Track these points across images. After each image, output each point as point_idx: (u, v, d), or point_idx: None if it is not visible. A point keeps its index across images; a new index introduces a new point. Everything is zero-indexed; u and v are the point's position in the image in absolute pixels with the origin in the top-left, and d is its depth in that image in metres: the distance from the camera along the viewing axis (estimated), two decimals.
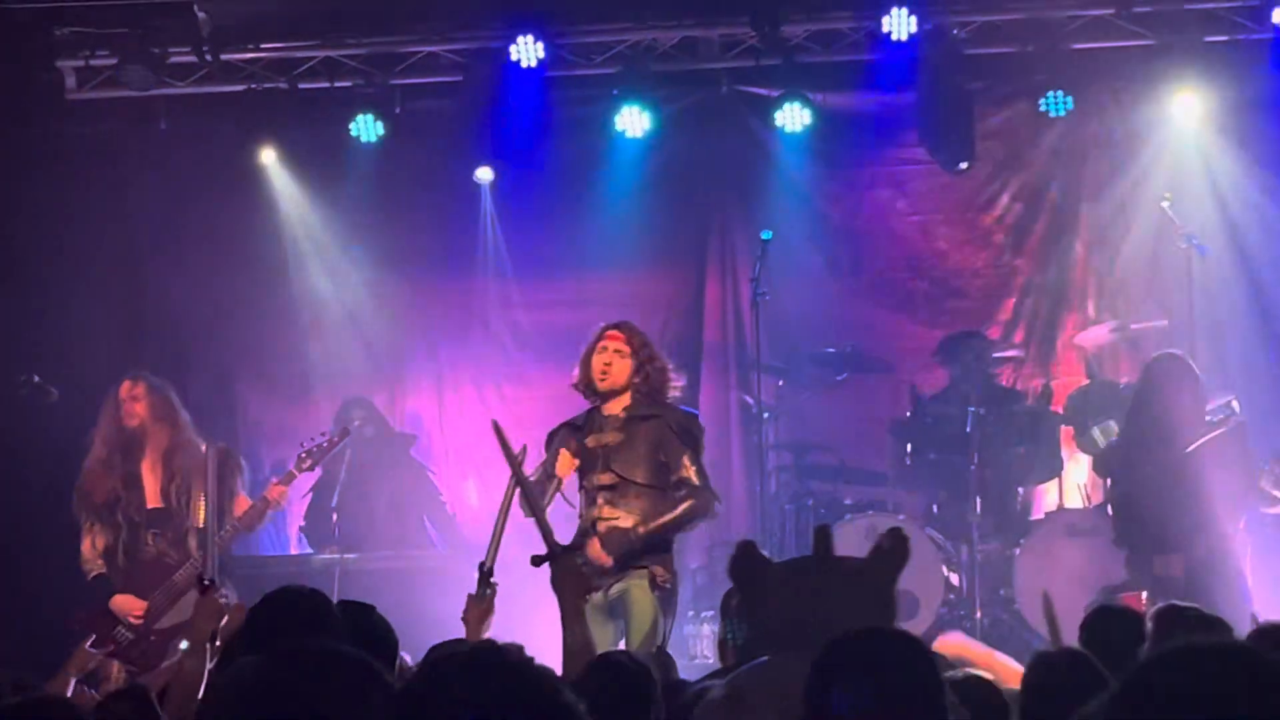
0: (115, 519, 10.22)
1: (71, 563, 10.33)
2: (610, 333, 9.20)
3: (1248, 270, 12.80)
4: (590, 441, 9.08)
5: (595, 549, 8.85)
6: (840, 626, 4.00)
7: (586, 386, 9.22)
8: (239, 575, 10.67)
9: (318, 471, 11.56)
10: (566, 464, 9.06)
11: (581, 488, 9.17)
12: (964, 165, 12.86)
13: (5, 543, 12.04)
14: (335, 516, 12.17)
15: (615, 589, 8.91)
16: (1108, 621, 5.98)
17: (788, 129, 12.76)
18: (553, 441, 9.23)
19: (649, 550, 8.90)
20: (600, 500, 9.02)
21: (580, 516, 9.13)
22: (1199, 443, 10.45)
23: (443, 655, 2.88)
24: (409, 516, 12.76)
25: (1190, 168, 12.81)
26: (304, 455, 10.71)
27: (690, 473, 9.00)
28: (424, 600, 10.20)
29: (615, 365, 9.09)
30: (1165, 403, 10.53)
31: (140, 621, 9.97)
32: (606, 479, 9.03)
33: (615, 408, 9.13)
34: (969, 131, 12.74)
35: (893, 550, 4.43)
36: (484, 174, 13.04)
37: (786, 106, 12.66)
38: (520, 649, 3.52)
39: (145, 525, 10.24)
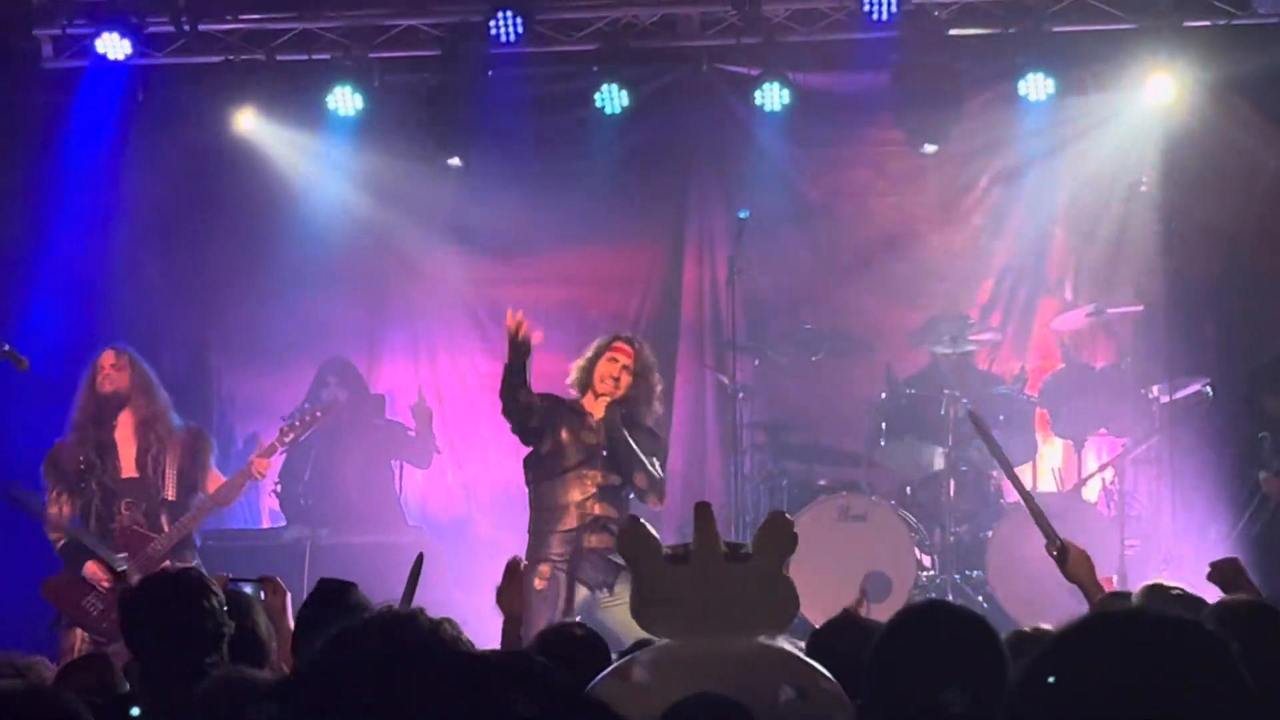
0: (88, 486, 10.18)
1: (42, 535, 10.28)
2: (621, 345, 9.35)
3: (1224, 254, 12.80)
4: (581, 436, 9.20)
5: None
6: (733, 611, 3.99)
7: (582, 387, 9.35)
8: (209, 548, 10.65)
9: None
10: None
11: (565, 473, 9.24)
12: (931, 148, 12.84)
13: None
14: (304, 490, 12.15)
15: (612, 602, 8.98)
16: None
17: (767, 108, 12.73)
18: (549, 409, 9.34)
19: None
20: (595, 495, 9.20)
21: (555, 497, 9.22)
22: None
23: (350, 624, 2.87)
24: (380, 485, 12.74)
25: (1168, 152, 12.80)
26: (285, 428, 10.67)
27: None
28: (394, 577, 10.17)
29: (622, 380, 9.22)
30: None
31: (109, 589, 9.92)
32: (602, 479, 9.21)
33: (596, 409, 9.28)
34: (946, 113, 12.72)
35: (776, 534, 4.39)
36: (455, 162, 13.00)
37: (766, 86, 12.63)
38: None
39: (119, 494, 10.19)
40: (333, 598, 5.57)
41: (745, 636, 4.20)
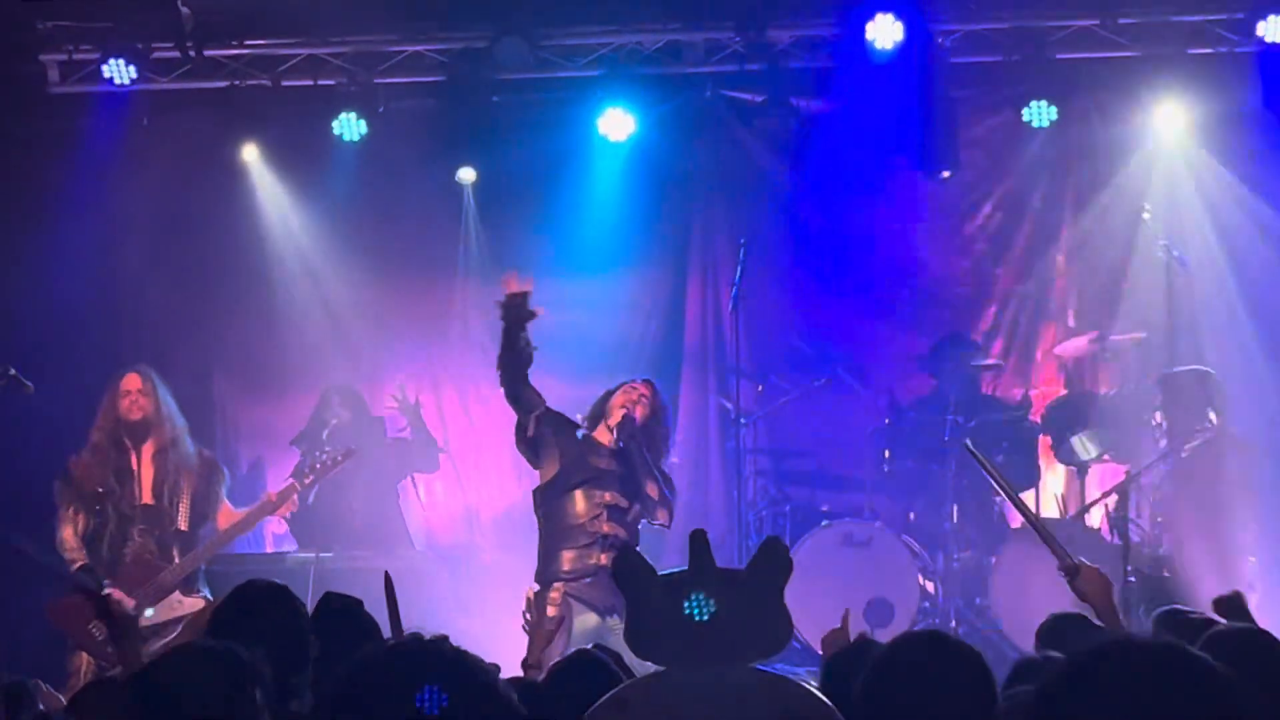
0: (104, 509, 10.15)
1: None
2: (639, 383, 9.44)
3: (1227, 282, 12.81)
4: (589, 459, 9.28)
5: None
6: (725, 639, 3.99)
7: (594, 419, 9.42)
8: (215, 573, 10.65)
9: (297, 454, 11.62)
10: None
11: (573, 489, 9.26)
12: (946, 173, 12.88)
13: None
14: (310, 513, 12.16)
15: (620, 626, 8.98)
16: (1064, 625, 6.02)
17: (770, 134, 12.76)
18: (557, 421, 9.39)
19: None
20: (605, 514, 9.23)
21: (564, 515, 9.24)
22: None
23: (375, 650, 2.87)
24: (385, 508, 12.71)
25: (1172, 179, 12.84)
26: (306, 470, 10.66)
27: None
28: (399, 599, 10.17)
29: (638, 410, 9.27)
30: None
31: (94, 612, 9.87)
32: (610, 499, 9.29)
33: (604, 438, 9.32)
34: (952, 140, 12.75)
35: (772, 559, 4.39)
36: (466, 174, 13.04)
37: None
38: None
39: (133, 520, 10.17)
40: (342, 614, 5.57)
41: (740, 662, 4.20)
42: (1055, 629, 6.01)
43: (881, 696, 4.03)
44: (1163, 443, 11.42)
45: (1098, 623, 5.91)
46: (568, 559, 9.16)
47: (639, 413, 9.34)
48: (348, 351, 13.50)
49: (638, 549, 4.51)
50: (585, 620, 9.05)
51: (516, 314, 9.24)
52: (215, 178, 13.07)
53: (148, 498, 10.22)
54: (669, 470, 9.64)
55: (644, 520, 9.46)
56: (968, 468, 11.85)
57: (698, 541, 4.30)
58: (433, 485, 13.33)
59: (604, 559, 9.04)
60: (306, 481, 10.63)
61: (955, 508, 11.97)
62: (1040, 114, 12.63)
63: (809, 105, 12.90)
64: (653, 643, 4.30)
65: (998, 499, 12.15)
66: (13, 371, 10.12)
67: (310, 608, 7.22)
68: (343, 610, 5.61)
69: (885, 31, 12.21)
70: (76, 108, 12.98)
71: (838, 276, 13.50)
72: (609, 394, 9.59)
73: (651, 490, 9.21)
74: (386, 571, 6.06)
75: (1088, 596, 5.97)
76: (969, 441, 7.22)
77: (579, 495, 9.24)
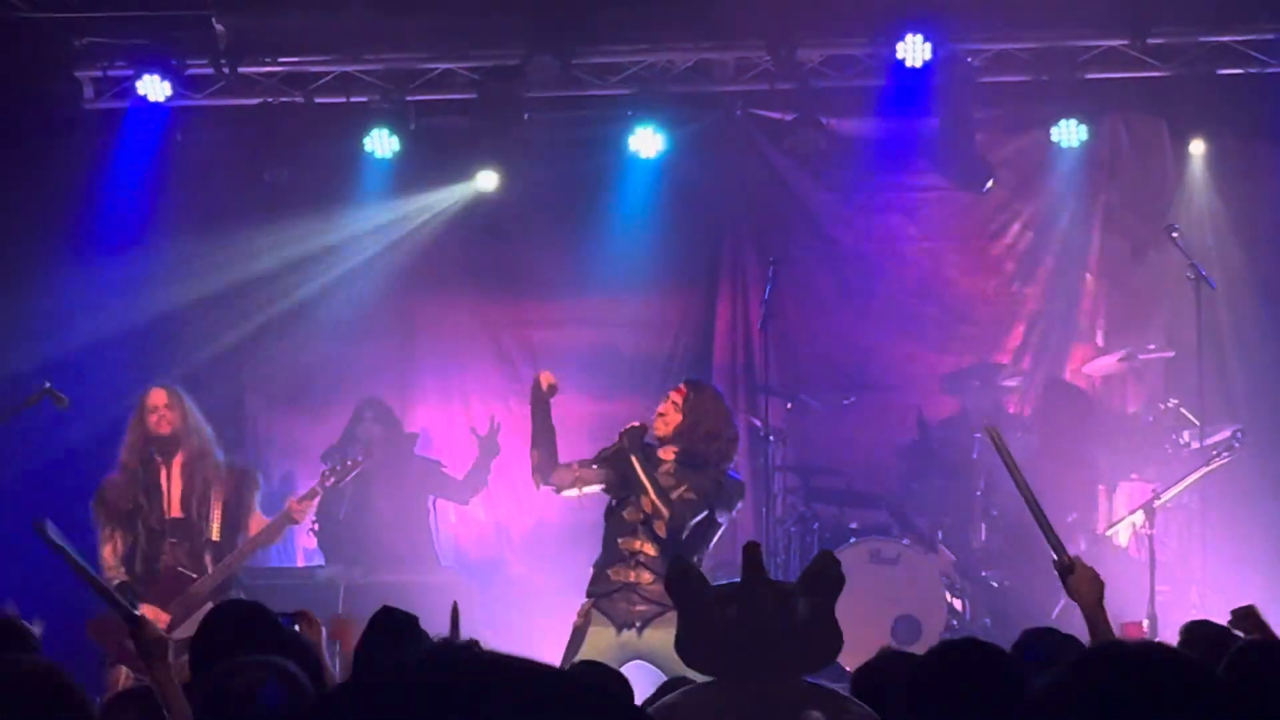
0: (135, 527, 10.21)
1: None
2: (680, 386, 9.39)
3: (1255, 302, 12.82)
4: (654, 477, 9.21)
5: None
6: (776, 652, 4.02)
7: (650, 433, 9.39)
8: (247, 586, 10.69)
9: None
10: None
11: (615, 509, 9.24)
12: (990, 183, 12.93)
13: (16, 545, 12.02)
14: (340, 528, 12.21)
15: (651, 635, 8.97)
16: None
17: (799, 153, 12.82)
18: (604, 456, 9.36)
19: None
20: (639, 531, 9.16)
21: (609, 533, 9.22)
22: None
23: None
24: (415, 524, 12.73)
25: (1200, 199, 12.86)
26: (327, 473, 10.70)
27: None
28: (428, 617, 10.22)
29: (669, 417, 9.21)
30: None
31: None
32: (643, 516, 9.18)
33: (667, 454, 9.26)
34: (985, 158, 12.83)
35: (823, 573, 4.42)
36: (486, 180, 13.03)
37: (798, 131, 12.71)
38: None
39: (164, 534, 10.23)
40: (397, 629, 5.65)
41: (788, 675, 4.24)
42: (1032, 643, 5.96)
43: (925, 703, 4.06)
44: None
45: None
46: (604, 577, 9.17)
47: (672, 421, 9.26)
48: (379, 367, 13.55)
49: (689, 561, 4.53)
50: (602, 633, 9.05)
51: (539, 404, 9.30)
52: (248, 193, 13.15)
53: (176, 511, 10.27)
54: (721, 475, 9.38)
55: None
56: (996, 487, 11.87)
57: (751, 554, 4.34)
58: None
59: (631, 576, 9.04)
60: (328, 484, 10.68)
61: (983, 525, 11.99)
62: (1069, 133, 12.66)
63: (838, 124, 12.95)
64: (704, 653, 4.34)
65: (1026, 519, 12.12)
66: (49, 385, 10.19)
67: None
68: (399, 625, 5.68)
69: (915, 51, 12.25)
70: (111, 124, 13.07)
71: (866, 295, 13.52)
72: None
73: (646, 505, 9.10)
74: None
75: (1078, 596, 5.91)
76: (987, 425, 7.17)
77: (624, 515, 9.24)
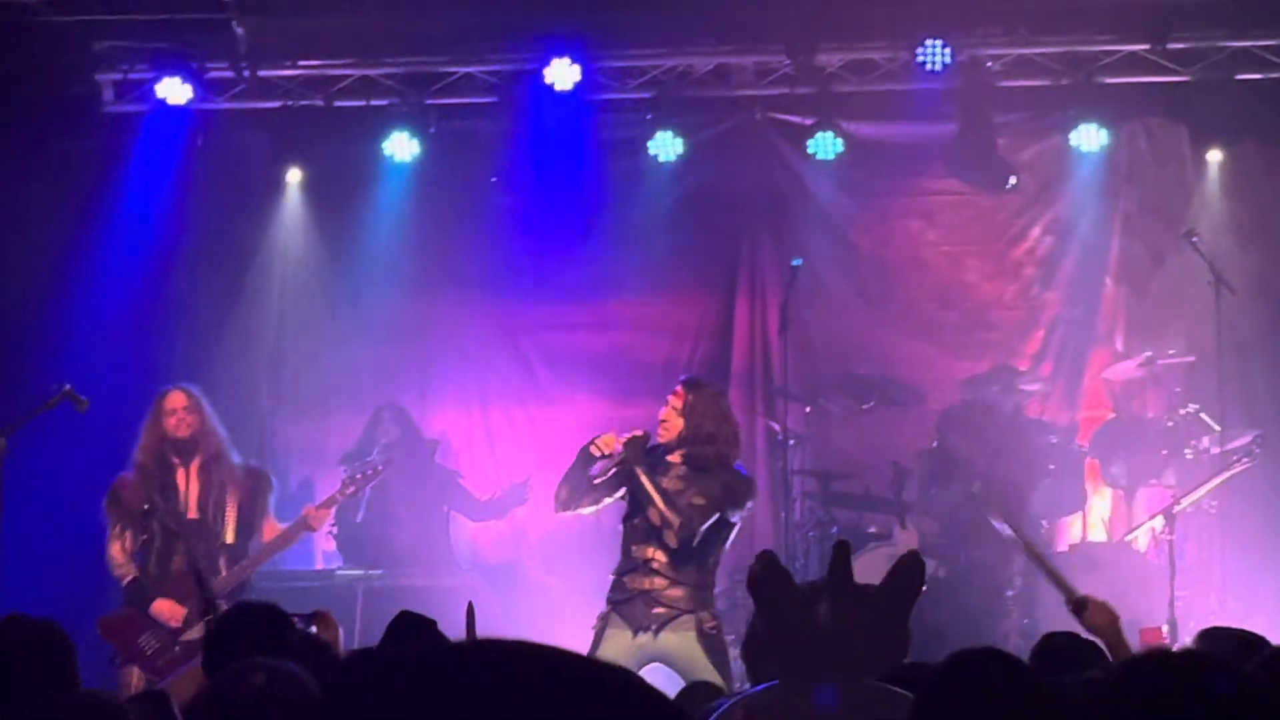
0: (149, 526, 10.22)
1: (100, 570, 10.34)
2: (676, 389, 9.29)
3: (1276, 307, 12.79)
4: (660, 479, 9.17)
5: None
6: (854, 651, 4.00)
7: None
8: (263, 589, 10.70)
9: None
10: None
11: (628, 517, 9.22)
12: (1012, 180, 12.91)
13: (34, 544, 12.06)
14: (358, 532, 12.22)
15: (666, 638, 8.96)
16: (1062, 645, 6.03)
17: (819, 157, 12.82)
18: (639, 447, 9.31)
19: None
20: (650, 538, 9.12)
21: (625, 540, 9.19)
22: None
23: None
24: (433, 528, 12.75)
25: (1221, 203, 12.83)
26: (347, 481, 10.69)
27: None
28: (445, 621, 10.21)
29: (670, 423, 9.18)
30: None
31: (173, 631, 9.97)
32: (649, 524, 9.14)
33: (675, 457, 9.21)
34: (1006, 161, 12.83)
35: (909, 574, 4.41)
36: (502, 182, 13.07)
37: (819, 135, 12.72)
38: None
39: (179, 535, 10.23)
40: (414, 633, 5.65)
41: (858, 676, 4.23)
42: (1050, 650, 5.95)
43: (939, 711, 4.04)
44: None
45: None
46: (619, 585, 9.15)
47: (674, 427, 9.22)
48: (397, 370, 13.56)
49: (775, 555, 4.51)
50: (619, 636, 9.04)
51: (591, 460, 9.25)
52: (267, 196, 13.18)
53: (193, 513, 10.27)
54: (728, 473, 9.32)
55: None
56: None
57: (840, 553, 4.33)
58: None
59: (646, 583, 9.03)
60: (348, 492, 10.67)
61: None
62: (1089, 138, 12.65)
63: (858, 129, 12.94)
64: (782, 651, 4.32)
65: (1044, 522, 12.15)
66: (68, 387, 10.20)
67: (358, 622, 7.33)
68: (418, 628, 5.69)
69: (934, 56, 12.25)
70: (131, 127, 13.10)
71: (886, 299, 13.51)
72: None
73: (653, 517, 9.06)
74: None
75: (1097, 630, 5.96)
76: (975, 490, 7.18)
77: (636, 523, 9.23)
